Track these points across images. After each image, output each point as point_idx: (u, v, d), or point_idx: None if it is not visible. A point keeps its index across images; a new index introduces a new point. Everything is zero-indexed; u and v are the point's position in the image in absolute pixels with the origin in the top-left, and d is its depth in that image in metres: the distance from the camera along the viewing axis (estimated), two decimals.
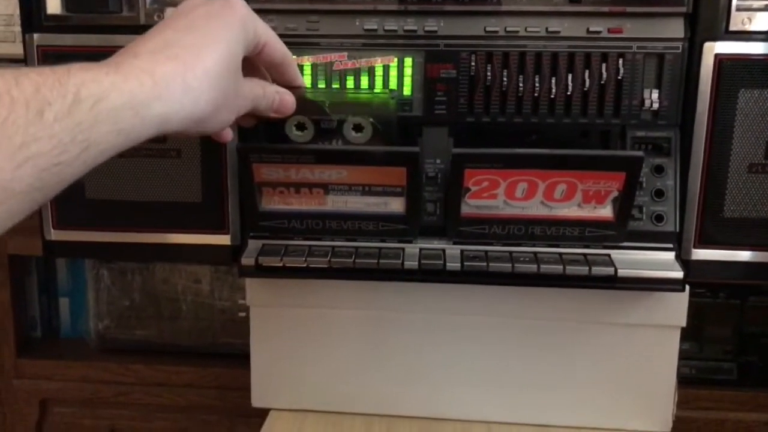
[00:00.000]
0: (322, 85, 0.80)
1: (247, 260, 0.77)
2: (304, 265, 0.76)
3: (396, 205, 0.77)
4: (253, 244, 0.80)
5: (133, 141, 0.49)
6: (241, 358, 1.11)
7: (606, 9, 0.76)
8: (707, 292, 1.16)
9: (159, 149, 0.81)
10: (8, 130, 0.41)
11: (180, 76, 0.51)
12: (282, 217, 0.78)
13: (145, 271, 1.27)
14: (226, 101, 0.57)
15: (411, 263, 0.76)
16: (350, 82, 0.80)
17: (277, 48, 0.66)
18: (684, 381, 1.13)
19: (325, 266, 0.77)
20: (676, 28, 0.76)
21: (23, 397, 1.21)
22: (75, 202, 0.83)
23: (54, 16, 0.80)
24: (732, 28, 0.75)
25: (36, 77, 0.44)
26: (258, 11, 0.77)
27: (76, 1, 0.79)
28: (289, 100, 0.69)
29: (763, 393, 1.11)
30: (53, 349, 1.27)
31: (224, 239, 0.82)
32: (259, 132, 0.76)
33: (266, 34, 0.64)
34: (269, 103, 0.67)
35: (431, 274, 0.76)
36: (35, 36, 0.80)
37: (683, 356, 1.16)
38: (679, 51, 0.76)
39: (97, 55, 0.78)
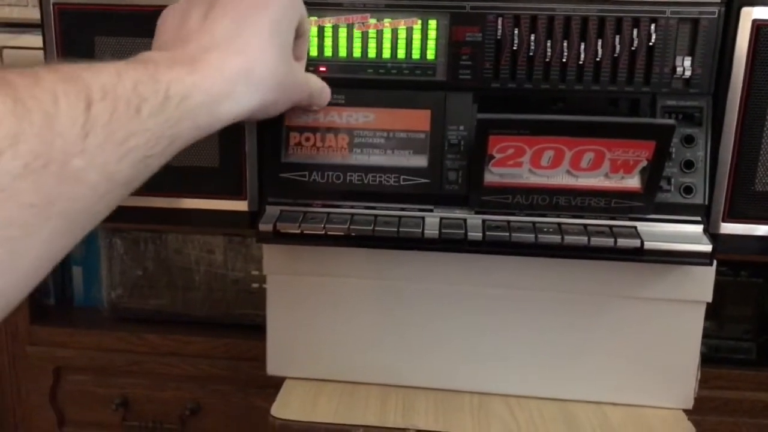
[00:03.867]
0: (344, 46, 0.78)
1: (264, 226, 0.76)
2: (323, 232, 0.75)
3: (418, 159, 0.77)
4: (271, 210, 0.78)
5: (205, 134, 0.53)
6: (254, 329, 1.11)
7: None
8: (729, 270, 1.14)
9: None
10: (113, 126, 0.43)
11: (246, 73, 0.56)
12: (304, 169, 0.77)
13: (158, 241, 1.27)
14: (285, 91, 0.63)
15: (431, 232, 0.75)
16: (372, 45, 0.77)
17: (306, 44, 0.72)
18: (703, 360, 1.12)
19: (344, 234, 0.75)
20: None
21: (37, 364, 1.21)
22: None
23: None
24: None
25: (134, 74, 0.46)
26: None
27: None
28: (329, 92, 0.76)
29: None
30: (67, 317, 1.27)
31: (242, 205, 0.81)
32: None
33: (304, 25, 0.69)
34: (322, 96, 0.74)
35: (452, 243, 0.75)
36: None
37: (703, 335, 1.15)
38: (715, 16, 0.74)
39: (114, 13, 0.77)
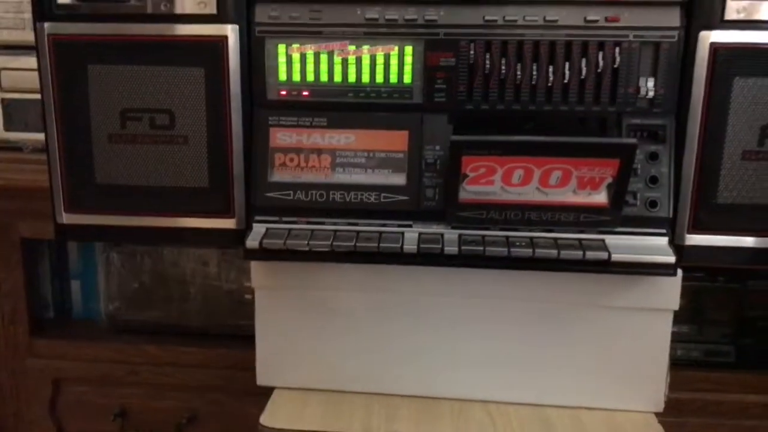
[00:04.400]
0: (325, 72, 0.82)
1: (251, 243, 0.80)
2: (307, 249, 0.79)
3: (397, 177, 0.81)
4: (258, 228, 0.82)
5: None
6: (248, 339, 1.14)
7: None
8: (707, 276, 1.18)
9: (167, 136, 0.84)
10: None
11: None
12: (289, 188, 0.81)
13: (155, 254, 1.30)
14: None
15: (410, 247, 0.79)
16: (352, 70, 0.82)
17: None
18: (683, 363, 1.15)
19: (327, 249, 0.79)
20: (672, 17, 0.78)
21: (37, 376, 1.24)
22: (86, 186, 0.86)
23: (64, 5, 0.82)
24: (727, 17, 0.77)
25: None
26: (261, 0, 0.80)
27: None
28: None
29: (761, 375, 1.13)
30: (66, 329, 1.30)
31: (230, 223, 0.85)
32: None
33: None
34: None
35: (430, 257, 0.79)
36: (46, 25, 0.82)
37: (683, 339, 1.18)
38: (675, 40, 0.78)
39: (107, 43, 0.82)
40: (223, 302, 1.30)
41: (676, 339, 1.13)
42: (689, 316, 1.19)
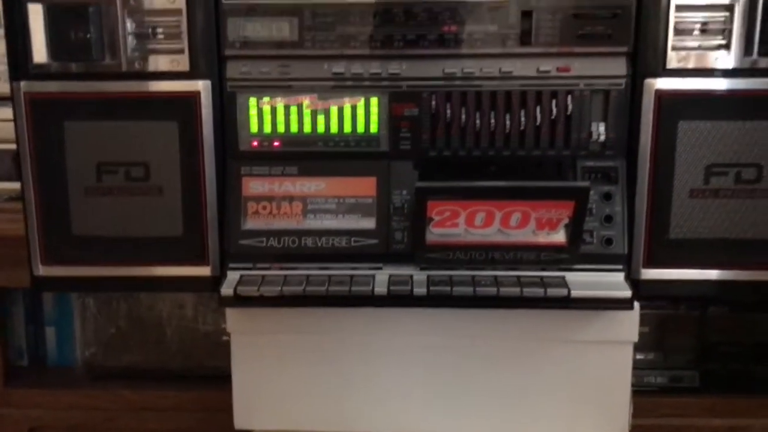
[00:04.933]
0: (295, 123, 0.86)
1: (226, 291, 0.83)
2: (280, 294, 0.82)
3: (366, 222, 0.84)
4: (232, 275, 0.85)
5: None
6: (227, 380, 1.15)
7: (554, 50, 0.83)
8: (669, 304, 1.22)
9: (142, 187, 0.87)
10: None
11: None
12: (262, 235, 0.84)
13: (131, 299, 1.31)
14: None
15: (380, 289, 0.82)
16: (321, 121, 0.85)
17: None
18: (649, 390, 1.19)
19: (300, 294, 0.82)
20: (619, 67, 0.83)
21: (11, 426, 1.24)
22: (62, 238, 0.88)
23: (40, 65, 0.85)
24: (669, 66, 0.82)
25: None
26: (232, 57, 0.84)
27: (61, 50, 0.84)
28: None
29: (725, 399, 1.16)
30: (40, 377, 1.29)
31: (205, 270, 0.87)
32: None
33: None
34: None
35: (400, 299, 0.82)
36: (22, 83, 0.85)
37: (649, 366, 1.22)
38: (623, 87, 0.83)
39: (83, 101, 0.85)
40: (200, 344, 1.31)
41: (642, 366, 1.18)
42: (654, 343, 1.22)
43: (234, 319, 0.89)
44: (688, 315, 1.24)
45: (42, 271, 0.89)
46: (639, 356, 1.18)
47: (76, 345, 1.32)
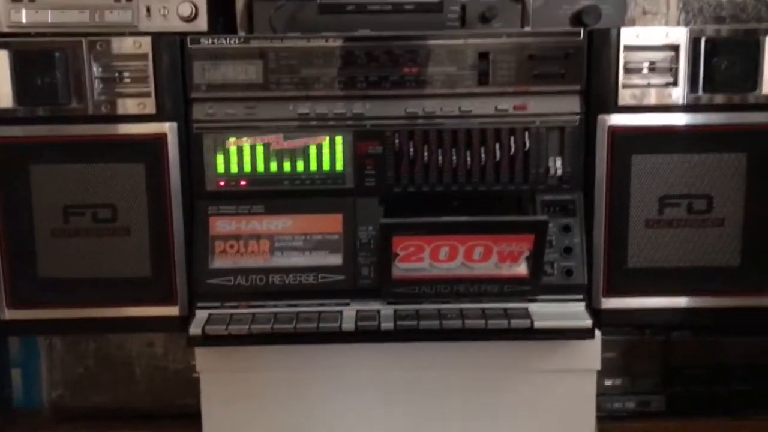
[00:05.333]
0: (261, 162, 0.87)
1: (194, 330, 0.83)
2: (248, 332, 0.82)
3: (333, 258, 0.86)
4: (201, 314, 0.85)
5: None
6: (196, 418, 1.14)
7: (511, 89, 0.86)
8: (634, 330, 1.25)
9: (110, 228, 0.87)
10: None
11: None
12: (229, 274, 0.85)
13: (99, 338, 1.30)
14: None
15: (348, 325, 0.83)
16: (287, 160, 0.87)
17: None
18: (618, 415, 1.21)
19: (268, 332, 0.83)
20: (573, 104, 0.87)
21: None
22: (28, 281, 0.88)
23: (5, 110, 0.85)
24: (621, 103, 0.86)
25: None
26: (198, 99, 0.86)
27: (27, 94, 0.85)
28: None
29: (691, 422, 1.19)
30: (6, 420, 1.27)
31: (173, 310, 0.88)
32: None
33: None
34: None
35: (367, 334, 0.83)
36: None
37: (616, 391, 1.24)
38: (577, 124, 0.87)
39: (49, 144, 0.85)
40: (170, 382, 1.30)
41: (610, 392, 1.20)
42: (621, 369, 1.25)
43: (203, 358, 0.90)
44: (653, 340, 1.27)
45: (8, 315, 0.88)
46: (607, 382, 1.20)
47: (42, 386, 1.30)
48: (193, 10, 1.06)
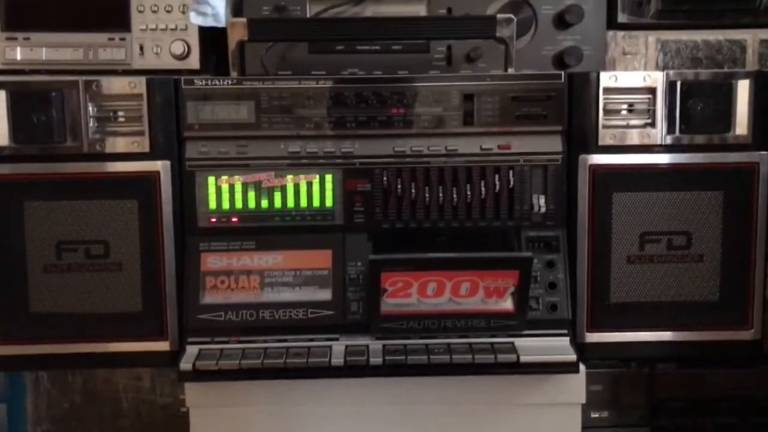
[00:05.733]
0: (252, 199, 0.89)
1: (184, 366, 0.84)
2: (238, 367, 0.83)
3: (323, 293, 0.87)
4: (191, 349, 0.86)
5: None
6: None
7: (495, 129, 0.89)
8: (620, 363, 1.26)
9: (102, 264, 0.88)
10: None
11: None
12: (220, 309, 0.86)
13: (86, 372, 1.30)
14: None
15: (337, 360, 0.84)
16: (278, 197, 0.89)
17: None
18: None
19: (258, 367, 0.84)
20: (555, 144, 0.90)
21: None
22: (19, 316, 0.88)
23: (2, 148, 0.87)
24: (601, 143, 0.89)
25: None
26: (191, 138, 0.88)
27: (23, 133, 0.87)
28: None
29: None
30: None
31: (164, 345, 0.89)
32: None
33: None
34: None
35: (356, 369, 0.84)
36: None
37: (603, 424, 1.25)
38: (559, 163, 0.89)
39: (42, 182, 0.87)
40: (157, 417, 1.29)
41: (596, 425, 1.21)
42: (608, 401, 1.26)
43: (193, 393, 0.90)
44: (638, 373, 1.28)
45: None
46: (594, 414, 1.21)
47: (28, 422, 1.29)
48: (186, 49, 1.09)
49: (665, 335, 0.92)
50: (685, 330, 0.91)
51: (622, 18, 1.11)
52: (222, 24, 1.01)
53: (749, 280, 0.90)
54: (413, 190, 0.89)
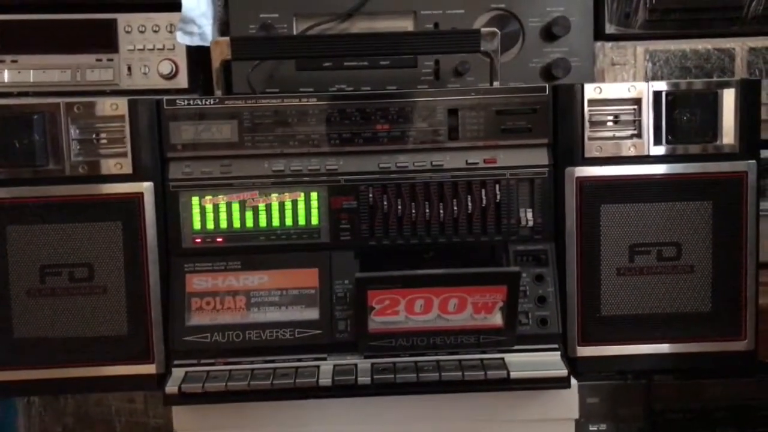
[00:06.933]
0: (237, 219, 0.88)
1: (170, 389, 0.83)
2: (224, 390, 0.82)
3: (310, 312, 0.86)
4: (177, 372, 0.85)
5: None
6: None
7: (481, 143, 0.88)
8: (616, 374, 1.25)
9: (86, 287, 0.87)
10: None
11: None
12: (206, 331, 0.85)
13: (78, 395, 1.29)
14: None
15: (325, 380, 0.83)
16: (263, 216, 0.88)
17: None
18: None
19: (245, 389, 0.82)
20: (541, 157, 0.89)
21: None
22: (3, 342, 0.87)
23: None
24: (587, 155, 0.89)
25: None
26: (174, 159, 0.88)
27: (4, 157, 0.86)
28: None
29: None
30: None
31: (150, 368, 0.87)
32: None
33: None
34: None
35: (345, 389, 0.83)
36: None
37: None
38: (546, 176, 0.89)
39: (25, 205, 0.86)
40: None
41: None
42: (605, 413, 1.25)
43: (181, 417, 0.89)
44: (635, 384, 1.27)
45: None
46: (592, 427, 1.20)
47: None
48: (174, 68, 1.09)
49: (658, 347, 0.90)
50: (678, 342, 0.90)
51: (609, 29, 1.11)
52: (209, 43, 1.01)
53: (741, 290, 0.89)
54: (399, 207, 0.88)
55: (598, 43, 1.11)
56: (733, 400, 1.21)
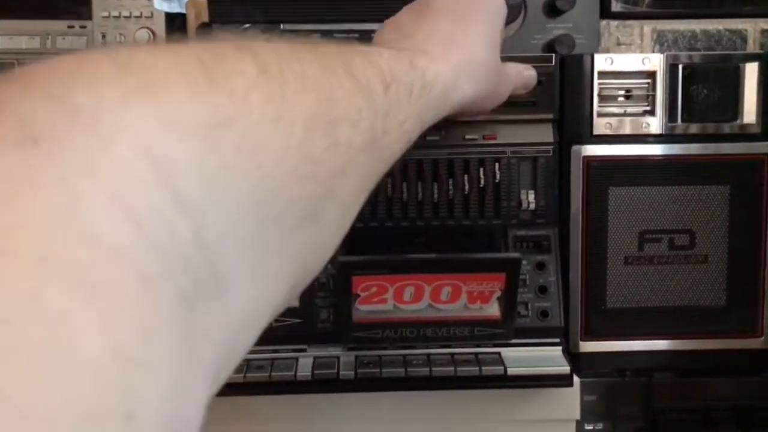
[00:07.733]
0: None
1: None
2: None
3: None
4: None
5: (429, 125, 0.55)
6: None
7: (480, 117, 0.81)
8: (615, 372, 1.19)
9: None
10: (398, 108, 0.46)
11: (467, 65, 0.58)
12: None
13: None
14: (496, 84, 0.66)
15: (304, 374, 0.76)
16: None
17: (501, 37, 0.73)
18: None
19: None
20: (545, 134, 0.82)
21: None
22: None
23: None
24: (596, 132, 0.81)
25: (401, 60, 0.49)
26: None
27: None
28: (533, 75, 0.76)
29: None
30: None
31: None
32: None
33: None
34: (524, 81, 0.76)
35: (325, 383, 0.76)
36: None
37: None
38: (550, 154, 0.81)
39: None
40: None
41: None
42: (604, 412, 1.18)
43: None
44: (635, 382, 1.21)
45: None
46: (588, 426, 1.14)
47: None
48: (151, 37, 1.01)
49: (667, 343, 0.84)
50: (689, 338, 0.83)
51: (616, 6, 1.03)
52: None
53: (758, 283, 0.82)
54: (390, 186, 0.80)
55: (604, 22, 1.04)
56: (736, 400, 1.15)
